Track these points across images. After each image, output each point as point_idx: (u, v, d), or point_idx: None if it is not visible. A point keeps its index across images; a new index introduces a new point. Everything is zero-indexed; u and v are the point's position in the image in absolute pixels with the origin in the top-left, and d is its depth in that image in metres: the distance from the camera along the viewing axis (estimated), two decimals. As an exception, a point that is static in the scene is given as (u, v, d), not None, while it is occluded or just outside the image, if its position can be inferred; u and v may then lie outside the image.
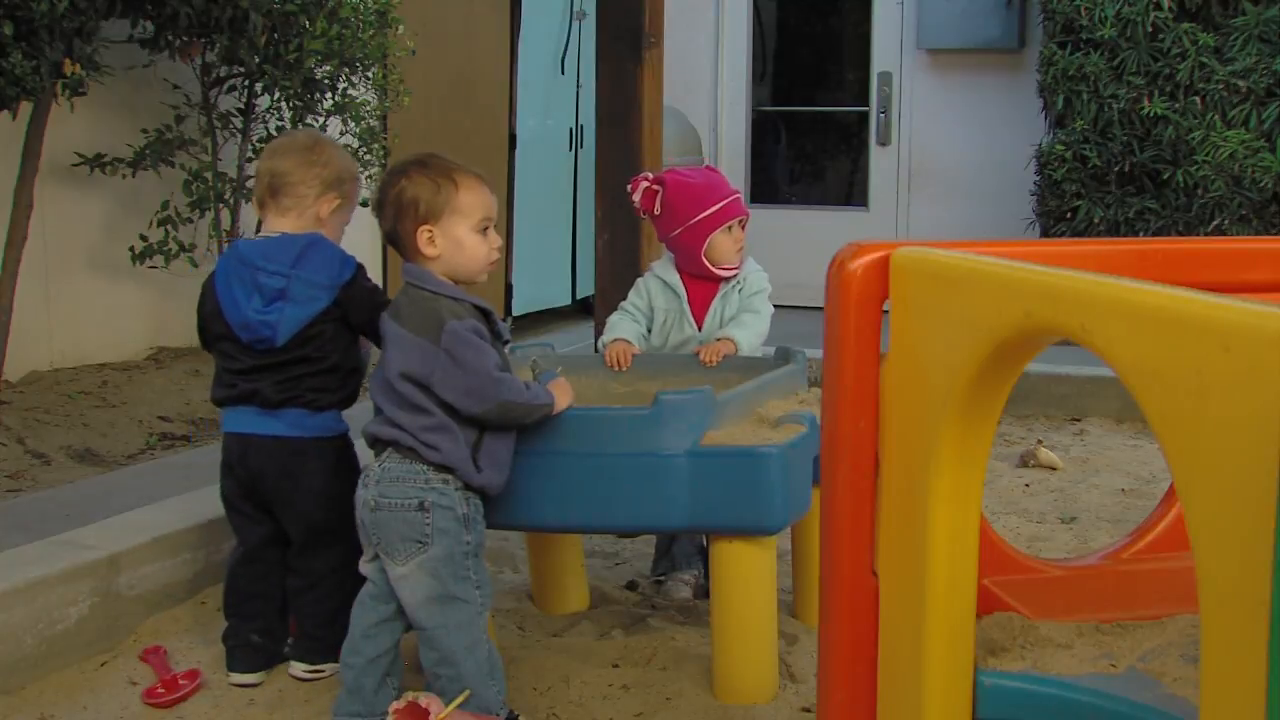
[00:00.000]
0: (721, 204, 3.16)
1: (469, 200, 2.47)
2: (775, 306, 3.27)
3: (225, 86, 5.05)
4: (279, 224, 2.79)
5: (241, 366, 2.76)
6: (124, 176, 4.82)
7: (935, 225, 7.72)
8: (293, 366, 2.74)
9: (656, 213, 3.19)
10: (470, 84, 6.61)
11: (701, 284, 3.22)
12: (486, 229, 2.50)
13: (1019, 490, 4.22)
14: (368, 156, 5.20)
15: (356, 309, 2.74)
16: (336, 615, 2.72)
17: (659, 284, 3.25)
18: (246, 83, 5.03)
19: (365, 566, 2.50)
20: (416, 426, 2.40)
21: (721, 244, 3.16)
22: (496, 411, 2.42)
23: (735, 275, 3.20)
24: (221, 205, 5.02)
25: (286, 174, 2.79)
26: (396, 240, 2.50)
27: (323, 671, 2.78)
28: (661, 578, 3.30)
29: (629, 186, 3.25)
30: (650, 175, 3.25)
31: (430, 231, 2.45)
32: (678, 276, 3.23)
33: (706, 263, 3.17)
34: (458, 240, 2.46)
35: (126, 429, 4.30)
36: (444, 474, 2.41)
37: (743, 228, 3.21)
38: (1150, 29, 6.57)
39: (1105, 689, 1.45)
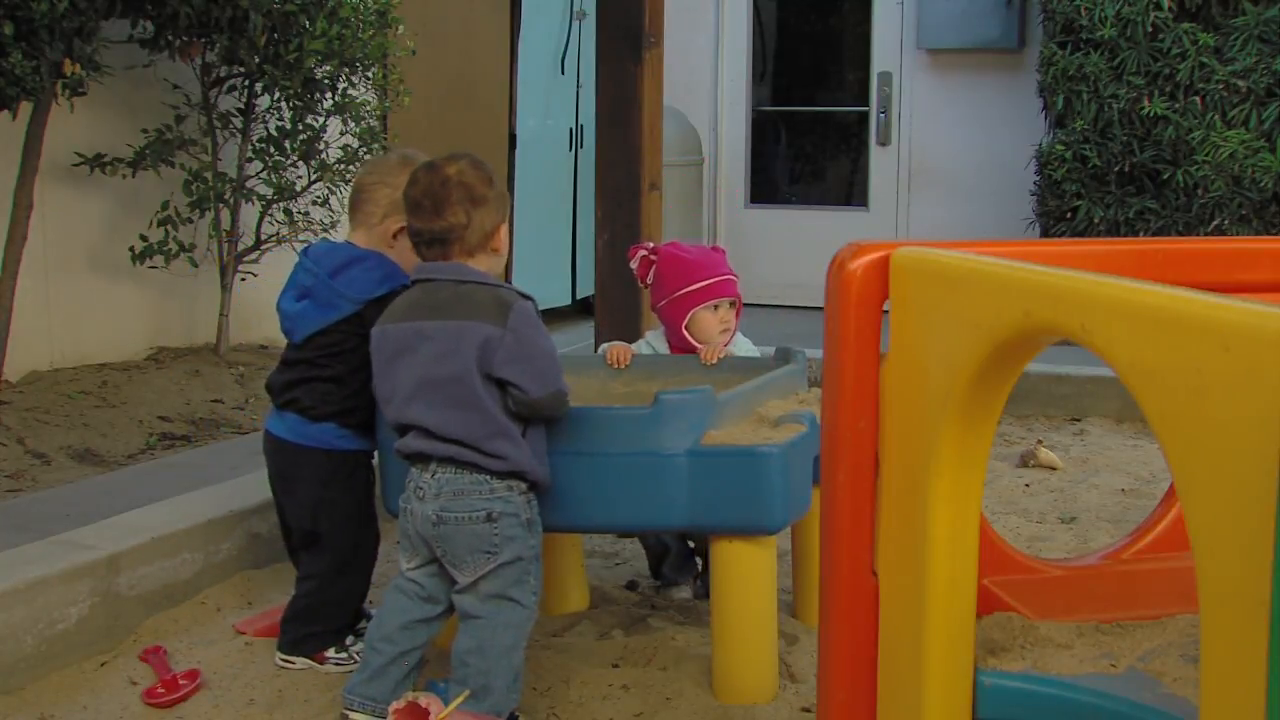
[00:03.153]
0: (709, 281, 3.11)
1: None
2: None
3: (225, 86, 5.06)
4: (353, 235, 2.86)
5: (283, 358, 2.85)
6: (124, 176, 4.82)
7: (935, 225, 7.71)
8: (301, 367, 2.78)
9: (649, 283, 3.18)
10: (470, 84, 6.61)
11: None
12: None
13: (1019, 490, 4.22)
14: (368, 156, 5.20)
15: None
16: (311, 614, 2.80)
17: (651, 354, 3.24)
18: (246, 83, 5.03)
19: (413, 573, 2.46)
20: (475, 437, 2.36)
21: (704, 321, 3.11)
22: (550, 399, 2.41)
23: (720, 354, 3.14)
24: (221, 205, 5.03)
25: (362, 189, 2.84)
26: (461, 236, 2.43)
27: (292, 663, 2.81)
28: (659, 584, 3.31)
29: (627, 254, 3.24)
30: (650, 245, 3.24)
31: (507, 228, 2.51)
32: (667, 349, 3.21)
33: (688, 336, 3.13)
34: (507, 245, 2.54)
35: (126, 429, 4.30)
36: (508, 480, 2.40)
37: (734, 309, 3.15)
38: (1150, 29, 6.57)
39: (1105, 689, 1.45)
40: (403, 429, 2.45)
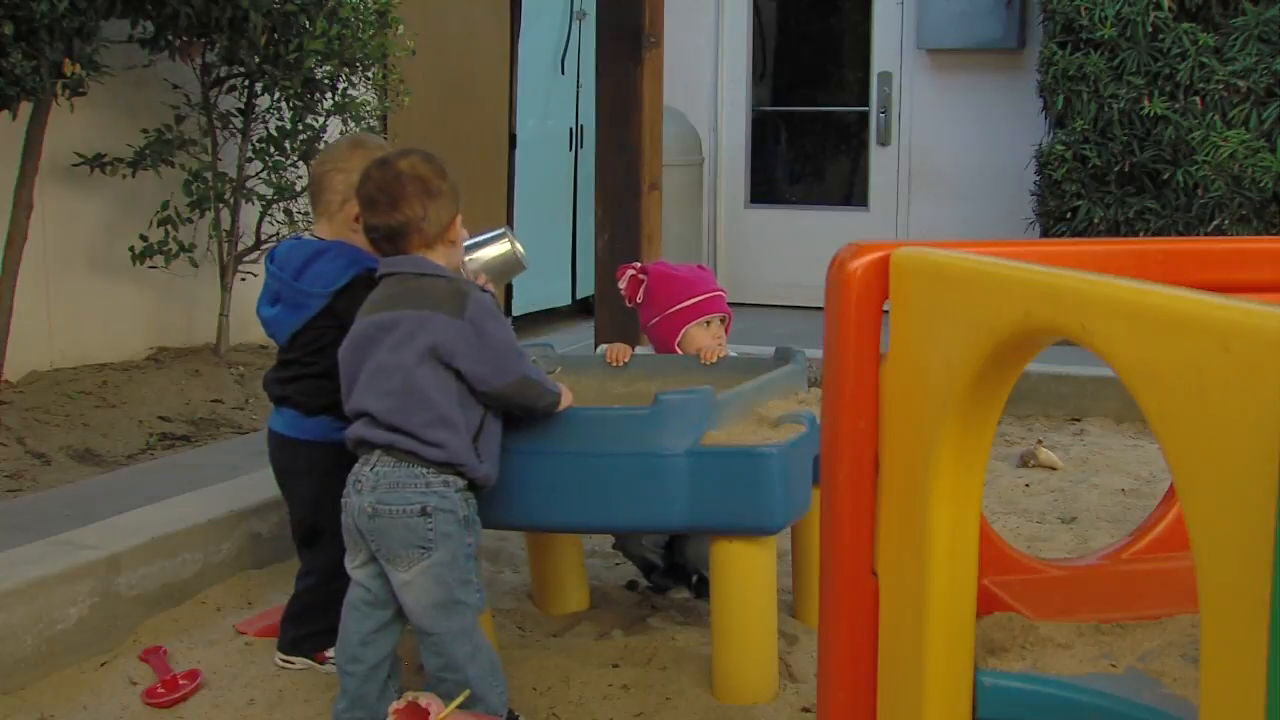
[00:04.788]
0: (700, 298, 3.14)
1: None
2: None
3: (225, 86, 5.06)
4: (317, 227, 2.86)
5: (277, 358, 2.86)
6: (124, 176, 4.82)
7: (935, 225, 7.71)
8: (291, 366, 2.80)
9: (639, 301, 3.19)
10: (470, 84, 6.61)
11: None
12: None
13: (1019, 490, 4.22)
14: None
15: (351, 315, 2.70)
16: (311, 612, 2.79)
17: (651, 354, 3.24)
18: (246, 83, 5.03)
19: (357, 571, 2.45)
20: (414, 424, 2.36)
21: (697, 337, 3.13)
22: (517, 386, 2.41)
23: None
24: (221, 205, 5.03)
25: (318, 179, 2.83)
26: (417, 230, 2.44)
27: (292, 663, 2.81)
28: (651, 586, 3.32)
29: (616, 274, 3.25)
30: (638, 265, 3.25)
31: (460, 220, 2.49)
32: None
33: (680, 353, 3.15)
34: (463, 237, 2.52)
35: (126, 429, 4.30)
36: (445, 475, 2.39)
37: (724, 325, 3.18)
38: (1150, 29, 6.57)
39: (1105, 689, 1.45)
40: (355, 416, 2.45)
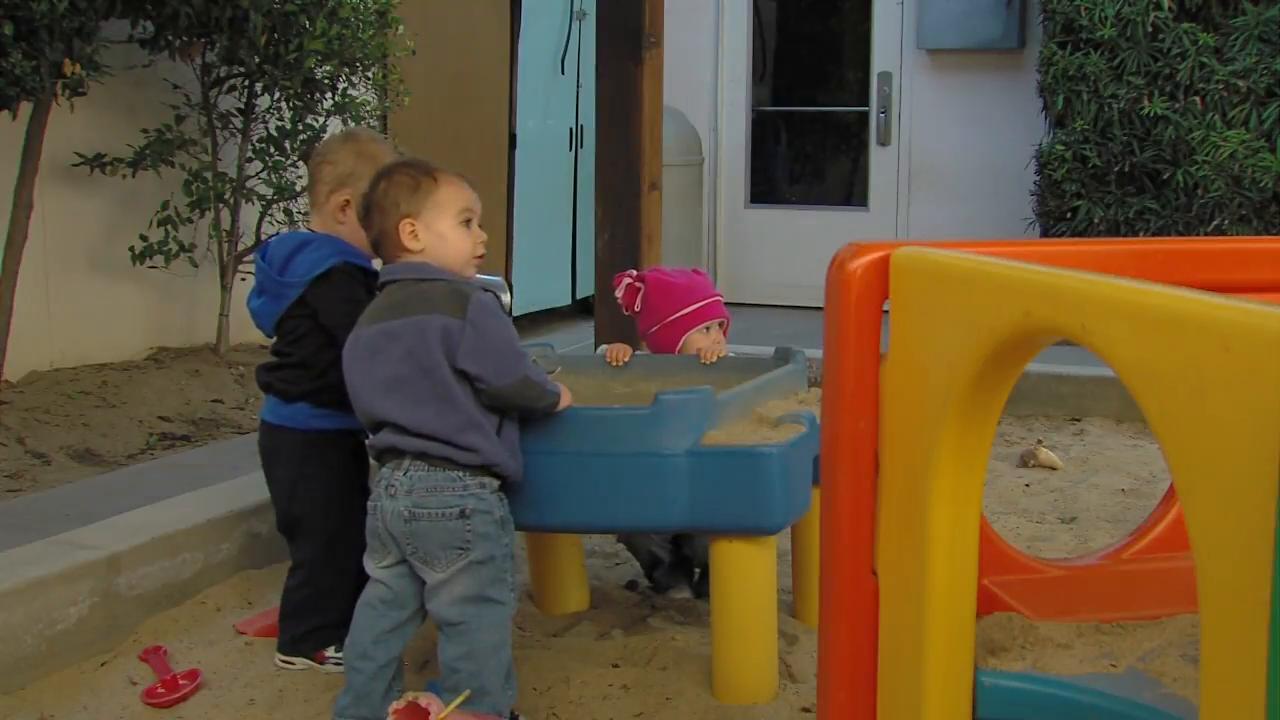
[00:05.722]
0: (699, 304, 3.14)
1: (447, 193, 2.49)
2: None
3: (225, 86, 5.06)
4: (312, 220, 2.89)
5: (270, 350, 2.90)
6: (124, 176, 4.82)
7: (935, 225, 7.71)
8: (275, 355, 2.84)
9: (637, 309, 3.19)
10: (470, 84, 6.61)
11: None
12: (469, 222, 2.51)
13: (1019, 490, 4.22)
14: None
15: (323, 306, 2.71)
16: (307, 607, 2.79)
17: (650, 354, 3.24)
18: (246, 83, 5.03)
19: (381, 572, 2.45)
20: (448, 430, 2.37)
21: (698, 343, 3.14)
22: (518, 387, 2.42)
23: None
24: (221, 205, 5.03)
25: (310, 172, 2.88)
26: (382, 241, 2.49)
27: (292, 663, 2.81)
28: (654, 588, 3.31)
29: (612, 283, 3.24)
30: (634, 273, 3.25)
31: (412, 224, 2.46)
32: None
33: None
34: (440, 234, 2.48)
35: (126, 429, 4.30)
36: (480, 477, 2.40)
37: (723, 330, 3.19)
38: (1150, 29, 6.57)
39: (1105, 689, 1.45)
40: (375, 426, 2.46)
